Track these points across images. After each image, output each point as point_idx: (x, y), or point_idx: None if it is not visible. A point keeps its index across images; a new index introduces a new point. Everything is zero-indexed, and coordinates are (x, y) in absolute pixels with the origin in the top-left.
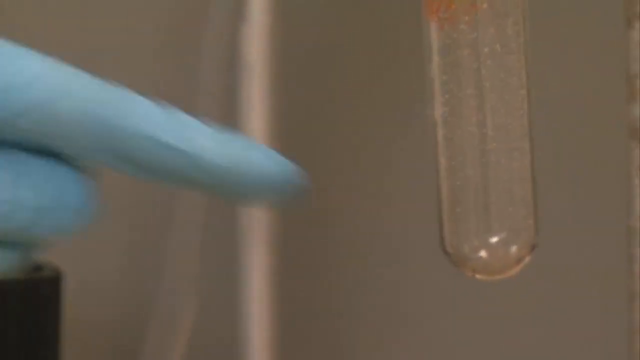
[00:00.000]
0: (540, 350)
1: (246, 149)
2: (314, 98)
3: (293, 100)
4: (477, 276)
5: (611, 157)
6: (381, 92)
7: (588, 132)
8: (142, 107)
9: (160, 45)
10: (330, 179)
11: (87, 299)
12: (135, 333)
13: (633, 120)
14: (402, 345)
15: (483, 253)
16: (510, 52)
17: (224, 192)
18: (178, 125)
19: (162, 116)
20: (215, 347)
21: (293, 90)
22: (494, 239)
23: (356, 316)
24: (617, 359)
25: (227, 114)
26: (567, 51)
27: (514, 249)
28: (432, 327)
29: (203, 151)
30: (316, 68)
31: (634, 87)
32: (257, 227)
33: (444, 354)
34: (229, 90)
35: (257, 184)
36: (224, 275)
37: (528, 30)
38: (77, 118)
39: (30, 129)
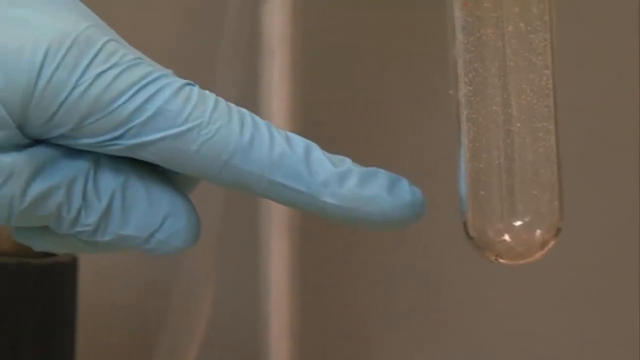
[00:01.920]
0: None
1: (365, 186)
2: (335, 79)
3: (314, 81)
4: (501, 261)
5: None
6: (404, 73)
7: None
8: (264, 148)
9: (182, 25)
10: (351, 157)
11: (105, 284)
12: (153, 318)
13: None
14: (425, 331)
15: (507, 237)
16: (535, 31)
17: (344, 221)
18: (299, 165)
19: (283, 155)
20: (234, 332)
21: (314, 71)
22: (518, 223)
23: (377, 304)
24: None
25: (247, 95)
26: (592, 30)
27: (538, 232)
28: (454, 311)
29: (322, 194)
30: (337, 48)
31: None
32: (277, 213)
33: (466, 342)
34: (249, 71)
35: (377, 221)
36: (244, 261)
37: (554, 9)
38: (213, 165)
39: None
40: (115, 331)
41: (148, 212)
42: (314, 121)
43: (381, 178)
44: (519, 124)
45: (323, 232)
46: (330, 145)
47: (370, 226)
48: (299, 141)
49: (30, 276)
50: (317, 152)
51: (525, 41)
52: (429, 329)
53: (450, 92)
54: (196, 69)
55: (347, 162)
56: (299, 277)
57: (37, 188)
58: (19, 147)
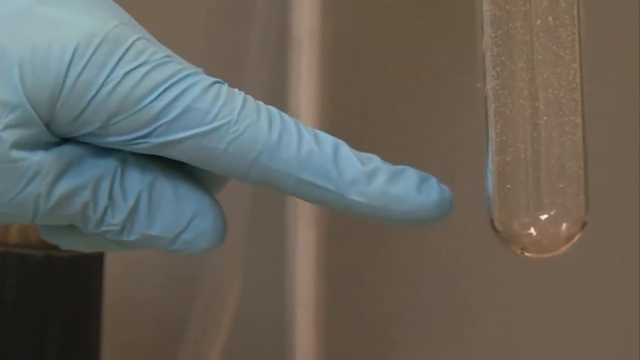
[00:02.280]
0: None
1: (393, 184)
2: (363, 74)
3: (342, 77)
4: (526, 254)
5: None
6: (432, 67)
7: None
8: (292, 146)
9: (211, 19)
10: (379, 155)
11: (132, 278)
12: (180, 312)
13: None
14: (452, 330)
15: (533, 230)
16: (563, 24)
17: (372, 219)
18: (327, 164)
19: (311, 153)
20: (260, 325)
21: (342, 66)
22: (544, 216)
23: (403, 302)
24: None
25: (275, 91)
26: (621, 25)
27: (564, 226)
28: (479, 309)
29: (350, 192)
30: (366, 43)
31: None
32: (303, 209)
33: (493, 343)
34: (278, 65)
35: (405, 219)
36: (270, 257)
37: (582, 3)
38: (241, 164)
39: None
40: (141, 326)
41: (175, 212)
42: (341, 118)
43: (410, 176)
44: (545, 118)
45: (350, 228)
46: (357, 143)
47: (398, 224)
48: (328, 139)
49: (57, 268)
50: (346, 150)
51: (554, 35)
52: (456, 328)
53: (478, 85)
54: (225, 66)
55: (375, 160)
56: (326, 274)
57: (63, 187)
58: (47, 146)
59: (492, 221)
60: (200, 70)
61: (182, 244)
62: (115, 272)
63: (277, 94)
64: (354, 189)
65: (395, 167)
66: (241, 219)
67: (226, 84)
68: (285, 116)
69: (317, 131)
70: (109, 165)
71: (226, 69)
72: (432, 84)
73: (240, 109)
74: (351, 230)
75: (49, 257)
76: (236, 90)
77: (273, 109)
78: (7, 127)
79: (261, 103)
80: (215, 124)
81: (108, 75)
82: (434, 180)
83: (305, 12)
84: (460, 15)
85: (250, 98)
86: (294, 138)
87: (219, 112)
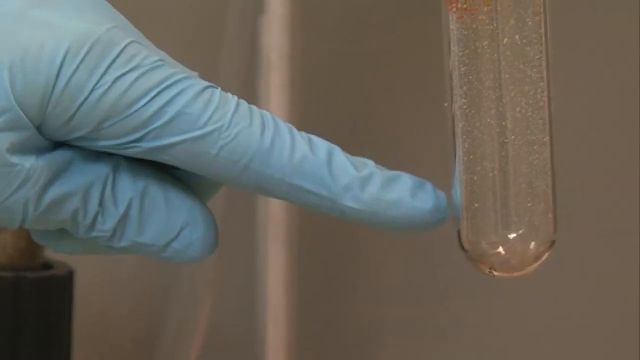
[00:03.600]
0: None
1: (388, 190)
2: (334, 92)
3: (312, 95)
4: (495, 273)
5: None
6: (400, 86)
7: (608, 126)
8: (285, 151)
9: (182, 40)
10: None
11: (103, 295)
12: (152, 328)
13: None
14: (429, 340)
15: (501, 249)
16: (530, 43)
17: (366, 224)
18: (321, 169)
19: (304, 159)
20: (231, 342)
21: (312, 84)
22: (513, 235)
23: (376, 315)
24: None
25: None
26: (586, 44)
27: (532, 245)
28: (458, 325)
29: (343, 198)
30: (336, 61)
31: None
32: (274, 222)
33: (472, 348)
34: (248, 86)
35: (400, 225)
36: (242, 271)
37: (548, 22)
38: (234, 169)
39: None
40: (113, 342)
41: (165, 220)
42: (312, 132)
43: (404, 182)
44: (513, 136)
45: (322, 243)
46: None
47: (393, 230)
48: (322, 144)
49: (26, 290)
50: (340, 156)
51: (521, 53)
52: (431, 344)
53: (445, 104)
54: None
55: (370, 166)
56: (297, 287)
57: (53, 193)
58: (38, 150)
59: (460, 240)
60: (195, 74)
61: (173, 252)
62: (86, 288)
63: None
64: (348, 194)
65: (390, 173)
66: None
67: (219, 88)
68: (279, 121)
69: (312, 136)
70: (100, 171)
71: None
72: (404, 101)
73: (232, 114)
74: (323, 245)
75: (19, 278)
76: (229, 94)
77: (267, 113)
78: None
79: (255, 108)
80: (207, 129)
81: (99, 80)
82: (429, 186)
83: (275, 33)
84: (431, 35)
85: (243, 102)
86: (287, 143)
87: (210, 117)
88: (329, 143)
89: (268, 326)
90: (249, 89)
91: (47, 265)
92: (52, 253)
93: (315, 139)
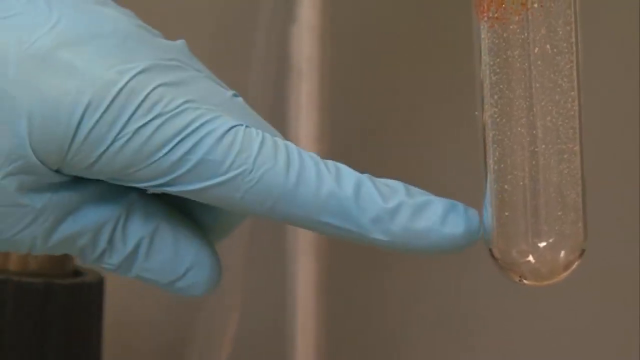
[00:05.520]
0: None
1: (417, 219)
2: (363, 100)
3: (342, 103)
4: (525, 282)
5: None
6: (431, 94)
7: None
8: (310, 189)
9: (212, 49)
10: None
11: (133, 302)
12: (181, 337)
13: None
14: (451, 356)
15: (531, 258)
16: (561, 52)
17: (396, 252)
18: (348, 204)
19: (330, 195)
20: (260, 351)
21: (342, 92)
22: (543, 244)
23: (405, 325)
24: None
25: (275, 118)
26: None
27: (562, 254)
28: (481, 336)
29: (372, 232)
30: (365, 70)
31: None
32: (304, 230)
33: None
34: (278, 94)
35: (431, 251)
36: (271, 279)
37: (579, 31)
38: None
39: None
40: (142, 348)
41: (173, 261)
42: (341, 146)
43: (435, 208)
44: (544, 146)
45: (351, 251)
46: (358, 164)
47: (424, 255)
48: (349, 176)
49: (57, 297)
50: (368, 187)
51: (551, 63)
52: (462, 346)
53: (476, 113)
54: None
55: (399, 192)
56: (326, 297)
57: (62, 232)
58: (56, 187)
59: (490, 249)
60: (229, 94)
61: (176, 289)
62: (116, 295)
63: (277, 122)
64: (376, 227)
65: (420, 200)
66: (241, 243)
67: (244, 126)
68: (305, 154)
69: (340, 165)
70: (114, 211)
71: None
72: (432, 109)
73: (256, 156)
74: (353, 254)
75: (49, 285)
76: (254, 131)
77: (292, 147)
78: (8, 174)
79: (279, 141)
80: (230, 174)
81: (119, 132)
82: (460, 209)
83: (304, 41)
84: (459, 40)
85: (268, 138)
86: (313, 179)
87: (233, 162)
88: (356, 173)
89: (297, 336)
90: (278, 99)
91: (78, 272)
92: None
93: (343, 169)
